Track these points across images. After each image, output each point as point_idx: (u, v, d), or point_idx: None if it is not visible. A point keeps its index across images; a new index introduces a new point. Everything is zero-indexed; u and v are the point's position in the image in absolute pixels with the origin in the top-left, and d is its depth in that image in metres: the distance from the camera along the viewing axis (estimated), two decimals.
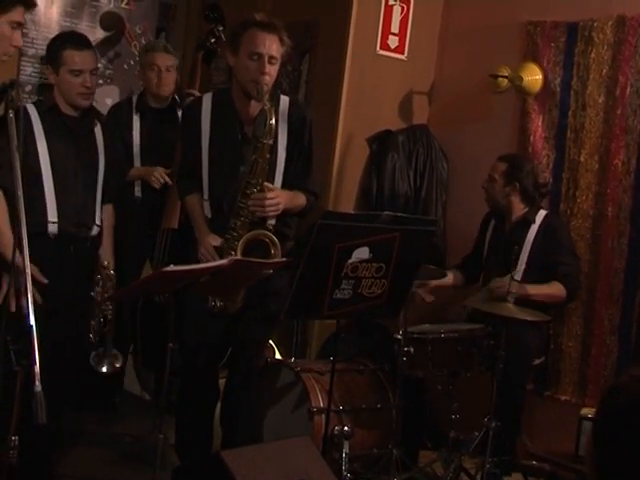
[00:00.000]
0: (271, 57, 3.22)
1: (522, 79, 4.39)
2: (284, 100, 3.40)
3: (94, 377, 4.20)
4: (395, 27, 4.77)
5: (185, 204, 3.56)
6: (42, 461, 3.39)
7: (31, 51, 4.71)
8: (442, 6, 4.97)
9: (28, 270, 2.24)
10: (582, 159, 4.27)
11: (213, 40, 4.51)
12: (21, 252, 2.27)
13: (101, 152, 3.57)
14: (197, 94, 4.26)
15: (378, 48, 4.73)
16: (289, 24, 3.37)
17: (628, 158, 4.11)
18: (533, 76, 4.40)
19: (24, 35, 4.41)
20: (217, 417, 3.61)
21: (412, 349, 3.73)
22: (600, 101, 4.20)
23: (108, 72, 5.01)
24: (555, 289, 3.93)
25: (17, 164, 2.36)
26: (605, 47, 4.18)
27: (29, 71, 4.74)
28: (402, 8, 4.79)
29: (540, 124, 4.43)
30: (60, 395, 3.31)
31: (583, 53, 4.26)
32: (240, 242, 3.22)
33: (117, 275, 3.71)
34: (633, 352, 4.06)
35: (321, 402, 3.68)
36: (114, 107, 4.50)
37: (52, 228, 3.36)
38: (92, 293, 3.49)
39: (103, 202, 3.60)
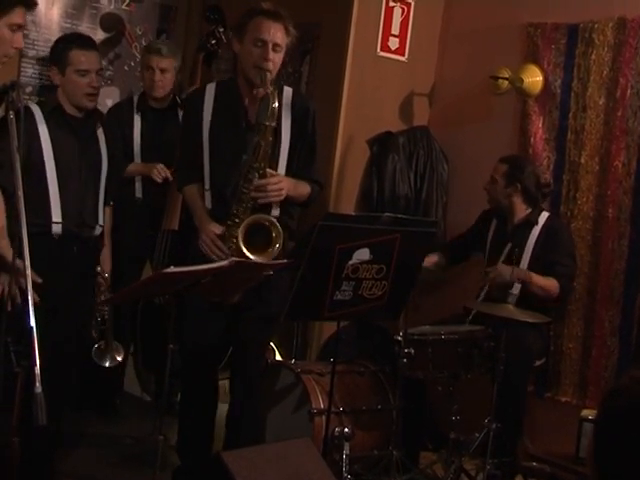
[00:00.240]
0: (275, 45, 3.24)
1: (522, 81, 4.39)
2: (287, 90, 3.41)
3: (94, 378, 4.22)
4: (396, 29, 4.77)
5: (184, 194, 3.55)
6: (43, 462, 3.39)
7: (32, 52, 4.70)
8: (442, 8, 4.97)
9: (29, 271, 2.24)
10: (582, 161, 4.27)
11: (214, 41, 4.52)
12: (21, 253, 2.27)
13: (104, 153, 3.58)
14: None
15: (379, 50, 4.73)
16: None
17: (628, 160, 4.11)
18: (533, 78, 4.40)
19: (25, 36, 4.41)
20: (218, 417, 3.62)
21: (412, 350, 3.73)
22: (600, 103, 4.20)
23: (108, 73, 5.01)
24: (550, 284, 3.94)
25: (18, 165, 2.36)
26: (606, 49, 4.18)
27: (30, 72, 4.73)
28: (403, 10, 4.79)
29: (540, 126, 4.43)
30: (61, 396, 3.31)
31: (584, 55, 4.27)
32: (241, 227, 3.21)
33: (116, 276, 3.72)
34: (634, 354, 4.06)
35: (321, 403, 3.68)
36: (115, 107, 4.51)
37: (56, 228, 3.37)
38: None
39: (105, 203, 3.61)
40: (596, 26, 4.21)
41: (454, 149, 4.87)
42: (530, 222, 4.08)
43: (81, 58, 3.43)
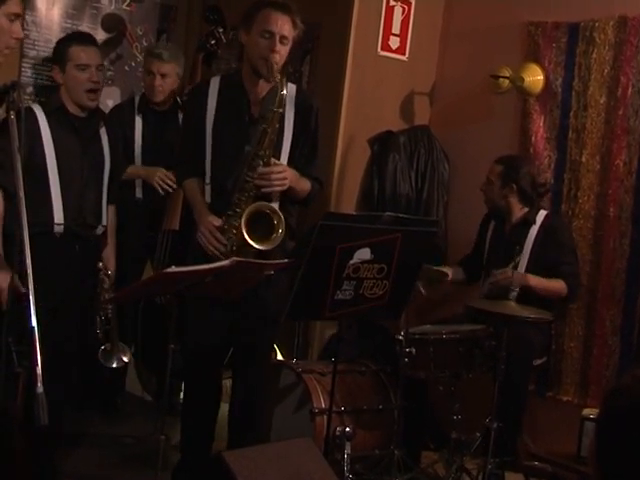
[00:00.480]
0: (282, 37, 3.25)
1: (523, 80, 4.38)
2: (291, 87, 3.41)
3: (96, 378, 4.22)
4: (396, 28, 4.77)
5: (184, 188, 3.54)
6: (44, 462, 3.39)
7: (32, 52, 4.70)
8: (443, 7, 4.97)
9: (30, 271, 2.24)
10: (583, 160, 4.26)
11: (213, 42, 4.51)
12: (23, 253, 2.27)
13: (107, 152, 3.59)
14: None
15: (379, 49, 4.73)
16: None
17: (630, 158, 4.11)
18: (534, 77, 4.40)
19: (25, 37, 4.41)
20: (219, 418, 3.62)
21: (414, 350, 3.73)
22: (601, 102, 4.20)
23: (109, 73, 5.00)
24: (557, 285, 3.94)
25: (18, 165, 2.36)
26: (606, 47, 4.18)
27: (30, 72, 4.73)
28: (403, 9, 4.79)
29: (541, 125, 4.43)
30: (62, 396, 3.31)
31: (584, 53, 4.26)
32: (243, 215, 3.20)
33: (118, 276, 3.71)
34: (635, 353, 4.06)
35: (323, 403, 3.68)
36: (116, 107, 4.50)
37: (57, 228, 3.38)
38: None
39: (108, 202, 3.61)
40: (597, 25, 4.21)
41: (455, 148, 4.87)
42: (528, 221, 4.08)
43: (80, 53, 3.44)
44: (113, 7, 5.07)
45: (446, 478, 3.77)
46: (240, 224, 3.19)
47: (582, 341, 4.26)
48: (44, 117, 3.40)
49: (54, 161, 3.37)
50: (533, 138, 4.44)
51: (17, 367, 2.17)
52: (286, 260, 3.14)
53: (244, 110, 3.36)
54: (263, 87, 3.34)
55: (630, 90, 4.10)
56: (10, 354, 2.17)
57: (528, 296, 3.90)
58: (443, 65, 4.98)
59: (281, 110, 3.21)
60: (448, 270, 4.31)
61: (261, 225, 3.23)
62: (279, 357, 4.44)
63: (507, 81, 4.51)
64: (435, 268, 4.21)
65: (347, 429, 3.66)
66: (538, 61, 4.43)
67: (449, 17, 4.95)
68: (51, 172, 3.36)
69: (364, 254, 3.10)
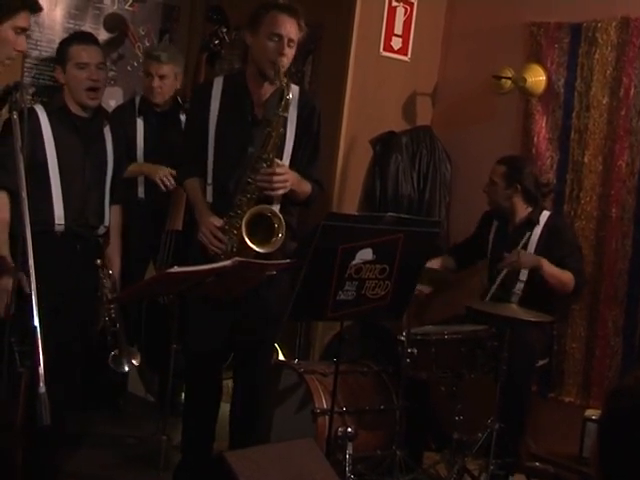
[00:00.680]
0: (290, 40, 3.26)
1: (526, 80, 4.38)
2: (294, 88, 3.41)
3: (98, 378, 4.22)
4: (398, 28, 4.77)
5: (185, 188, 3.55)
6: (46, 462, 3.39)
7: (35, 53, 4.71)
8: (445, 7, 4.97)
9: (32, 271, 2.24)
10: (586, 160, 4.26)
11: (217, 42, 4.51)
12: (25, 253, 2.28)
13: (110, 152, 3.58)
14: None
15: (381, 49, 4.73)
16: None
17: (632, 159, 4.11)
18: (537, 77, 4.40)
19: (27, 37, 4.41)
20: (220, 417, 3.62)
21: (416, 350, 3.73)
22: (604, 102, 4.20)
23: (112, 74, 5.01)
24: (566, 277, 3.93)
25: (21, 165, 2.36)
26: (609, 48, 4.18)
27: (33, 73, 4.74)
28: (405, 9, 4.79)
29: (544, 125, 4.43)
30: (64, 396, 3.31)
31: (587, 54, 4.26)
32: (244, 218, 3.21)
33: (120, 276, 3.71)
34: (637, 353, 4.06)
35: (325, 403, 3.68)
36: (117, 109, 4.50)
37: (59, 227, 3.39)
38: (98, 293, 3.50)
39: (111, 202, 3.61)
40: (599, 25, 4.21)
41: (457, 149, 4.87)
42: (531, 222, 4.08)
43: (80, 52, 3.44)
44: (116, 7, 5.08)
45: (448, 479, 3.77)
46: (241, 225, 3.20)
47: (584, 342, 4.25)
48: (46, 117, 3.40)
49: (55, 161, 3.37)
50: (535, 139, 4.44)
51: (20, 367, 2.17)
52: (288, 260, 3.14)
53: (247, 111, 3.36)
54: (267, 89, 3.35)
55: (632, 91, 4.10)
56: (13, 354, 2.17)
57: (529, 298, 3.90)
58: (445, 66, 4.98)
59: (286, 115, 3.22)
60: (435, 262, 4.29)
61: (262, 228, 3.23)
62: (281, 357, 4.44)
63: (509, 82, 4.51)
64: (435, 270, 4.20)
65: (349, 429, 3.66)
66: (540, 62, 4.42)
67: (451, 18, 4.95)
68: (52, 172, 3.36)
69: (366, 254, 3.10)
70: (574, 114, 4.31)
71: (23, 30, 2.83)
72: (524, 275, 3.95)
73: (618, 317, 4.14)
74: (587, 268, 4.20)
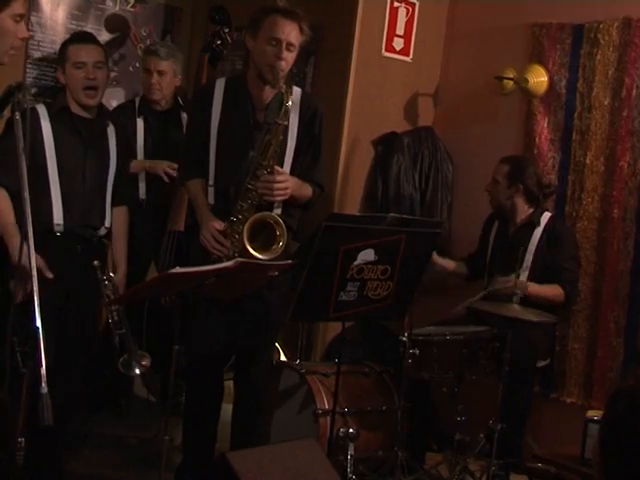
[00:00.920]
0: (289, 44, 3.25)
1: (527, 81, 4.38)
2: (296, 91, 3.41)
3: (101, 378, 4.22)
4: (400, 29, 4.77)
5: (188, 189, 3.55)
6: (48, 462, 3.39)
7: (37, 54, 4.71)
8: (447, 8, 4.97)
9: (34, 272, 2.24)
10: (588, 161, 4.26)
11: (219, 42, 4.51)
12: (28, 253, 2.28)
13: (113, 153, 3.57)
14: None
15: (383, 50, 4.73)
16: None
17: (634, 160, 4.11)
18: (539, 78, 4.40)
19: (30, 38, 4.42)
20: (222, 417, 3.62)
21: (417, 351, 3.73)
22: (606, 103, 4.20)
23: (114, 74, 5.01)
24: (554, 292, 3.96)
25: (23, 166, 2.37)
26: (611, 49, 4.17)
27: (35, 73, 4.74)
28: (407, 10, 4.79)
29: (546, 126, 4.43)
30: (66, 396, 3.31)
31: (589, 55, 4.26)
32: (246, 224, 3.21)
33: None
34: (639, 354, 4.05)
35: (326, 404, 3.68)
36: (116, 110, 4.49)
37: (58, 228, 3.38)
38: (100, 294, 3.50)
39: (113, 204, 3.60)
40: (601, 26, 4.21)
41: (459, 149, 4.87)
42: (532, 223, 4.08)
43: (77, 52, 3.43)
44: (117, 8, 5.08)
45: (450, 479, 3.77)
46: (242, 231, 3.20)
47: (586, 343, 4.25)
48: (47, 117, 3.40)
49: (54, 161, 3.37)
50: (537, 139, 4.44)
51: (22, 368, 2.17)
52: (290, 261, 3.15)
53: (249, 115, 3.36)
54: (268, 93, 3.34)
55: (634, 91, 4.10)
56: (15, 354, 2.17)
57: (530, 298, 3.91)
58: (447, 66, 4.98)
59: (286, 123, 3.22)
60: (448, 262, 4.30)
61: (263, 234, 3.24)
62: (283, 358, 4.44)
63: (511, 82, 4.52)
64: (436, 260, 4.19)
65: (351, 430, 3.66)
66: (542, 62, 4.42)
67: (453, 18, 4.95)
68: (51, 172, 3.36)
69: (368, 255, 3.11)
70: (576, 115, 4.31)
71: (21, 17, 2.81)
72: (523, 276, 3.94)
73: (620, 318, 4.14)
74: (589, 269, 4.20)
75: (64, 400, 3.15)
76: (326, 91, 4.73)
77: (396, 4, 4.74)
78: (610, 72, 4.18)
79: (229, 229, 3.27)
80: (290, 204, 3.40)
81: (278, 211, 3.35)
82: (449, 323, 4.17)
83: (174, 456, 3.64)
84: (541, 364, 4.06)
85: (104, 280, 3.46)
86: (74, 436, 3.85)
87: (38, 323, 2.14)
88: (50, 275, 3.19)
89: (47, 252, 3.14)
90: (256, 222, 3.22)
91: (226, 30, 4.45)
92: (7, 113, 2.76)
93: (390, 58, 4.76)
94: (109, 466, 3.83)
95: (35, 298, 2.19)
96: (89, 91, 3.44)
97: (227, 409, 3.64)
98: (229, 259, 3.14)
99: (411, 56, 4.84)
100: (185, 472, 3.54)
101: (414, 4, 4.81)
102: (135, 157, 4.25)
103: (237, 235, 3.24)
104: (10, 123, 2.97)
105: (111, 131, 3.58)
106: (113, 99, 4.92)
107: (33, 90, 4.68)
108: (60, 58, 3.50)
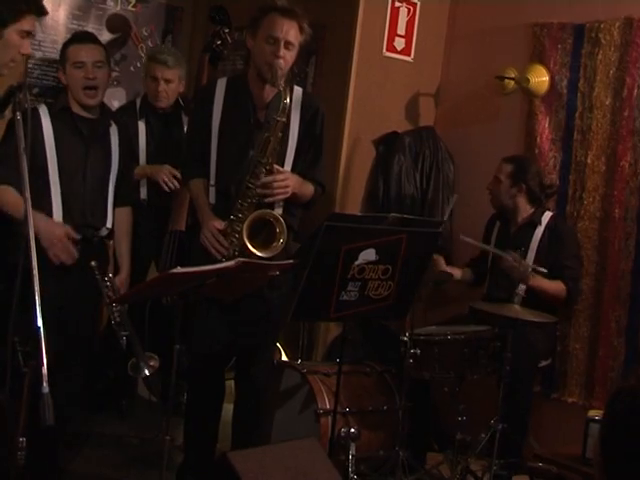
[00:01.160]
0: (288, 42, 3.25)
1: (529, 81, 4.38)
2: (297, 90, 3.42)
3: (103, 379, 4.22)
4: (401, 29, 4.77)
5: (189, 189, 3.56)
6: (50, 462, 3.39)
7: (38, 54, 4.71)
8: (448, 8, 4.97)
9: (35, 272, 2.24)
10: (589, 161, 4.26)
11: (219, 42, 4.51)
12: (29, 254, 2.28)
13: (115, 153, 3.56)
14: None
15: (384, 50, 4.73)
16: None
17: (635, 160, 4.10)
18: (540, 78, 4.40)
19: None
20: (223, 417, 3.62)
21: (418, 351, 3.73)
22: (607, 103, 4.20)
23: (115, 74, 5.01)
24: (556, 287, 3.95)
25: (24, 165, 2.37)
26: (612, 49, 4.17)
27: (36, 74, 4.74)
28: (408, 10, 4.79)
29: (547, 126, 4.42)
30: (67, 396, 3.31)
31: (590, 55, 4.26)
32: (246, 222, 3.21)
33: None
34: None
35: (327, 404, 3.68)
36: (117, 111, 4.49)
37: None
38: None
39: (116, 204, 3.60)
40: (602, 26, 4.21)
41: (460, 149, 4.86)
42: (533, 222, 4.08)
43: (76, 52, 3.43)
44: (119, 8, 5.09)
45: (451, 479, 3.77)
46: (242, 229, 3.20)
47: (587, 342, 4.25)
48: (48, 117, 3.40)
49: (55, 161, 3.37)
50: (538, 139, 4.44)
51: (23, 367, 2.17)
52: (291, 261, 3.15)
53: (250, 114, 3.36)
54: (269, 92, 3.34)
55: (636, 91, 4.10)
56: (16, 354, 2.18)
57: (532, 298, 3.90)
58: (448, 66, 4.98)
59: (284, 119, 3.21)
60: (455, 270, 4.31)
61: (263, 232, 3.24)
62: (284, 358, 4.44)
63: (512, 82, 4.51)
64: (441, 269, 4.21)
65: (352, 430, 3.66)
66: (543, 62, 4.42)
67: (454, 18, 4.95)
68: (51, 172, 3.35)
69: (369, 255, 3.11)
70: (577, 114, 4.31)
71: (28, 34, 2.84)
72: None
73: (621, 317, 4.13)
74: (590, 269, 4.20)
75: (65, 400, 3.15)
76: (327, 91, 4.73)
77: (397, 4, 4.74)
78: (611, 72, 4.18)
79: (229, 228, 3.27)
80: (291, 203, 3.40)
81: (279, 210, 3.35)
82: (451, 323, 4.17)
83: (175, 456, 3.64)
84: (542, 364, 4.06)
85: (103, 280, 3.45)
86: (75, 436, 3.86)
87: (39, 323, 2.14)
88: (77, 236, 3.32)
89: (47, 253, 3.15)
90: (256, 220, 3.22)
91: (226, 30, 4.45)
92: (8, 113, 2.77)
93: (391, 58, 4.76)
94: (110, 466, 3.83)
95: (36, 298, 2.19)
96: (89, 91, 3.43)
97: (228, 409, 3.65)
98: (230, 258, 3.14)
99: (412, 56, 4.84)
100: (186, 472, 3.54)
101: (415, 4, 4.81)
102: (137, 159, 4.25)
103: (237, 234, 3.24)
104: (12, 124, 2.98)
105: (114, 131, 3.58)
106: (114, 99, 4.93)
107: (35, 90, 4.68)
108: (61, 58, 3.51)
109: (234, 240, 3.25)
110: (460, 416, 3.78)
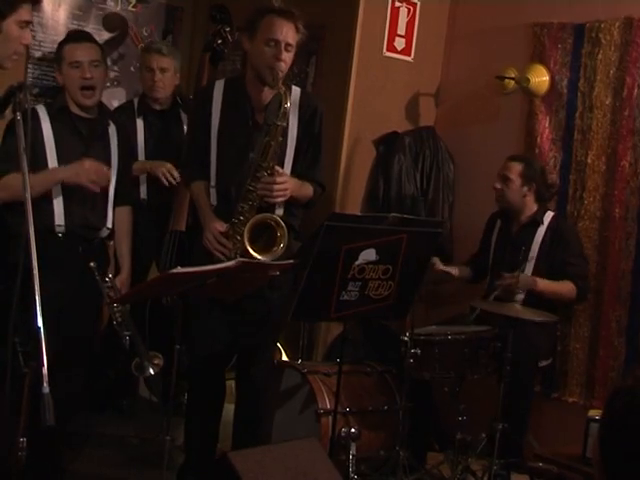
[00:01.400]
0: (287, 44, 3.24)
1: (529, 81, 4.38)
2: (295, 90, 3.42)
3: (104, 379, 4.22)
4: (402, 29, 4.77)
5: (191, 191, 3.56)
6: (50, 462, 3.39)
7: (38, 54, 4.72)
8: (448, 8, 4.97)
9: (36, 272, 2.24)
10: (589, 160, 4.26)
11: (220, 41, 4.50)
12: (29, 254, 2.28)
13: (114, 153, 3.56)
14: None
15: (385, 50, 4.73)
16: None
17: (635, 159, 4.11)
18: (540, 77, 4.40)
19: (31, 38, 4.41)
20: (223, 418, 3.63)
21: (419, 351, 3.73)
22: (607, 102, 4.20)
23: (114, 74, 5.01)
24: (566, 288, 3.95)
25: (25, 165, 2.37)
26: (612, 48, 4.17)
27: (37, 73, 4.75)
28: (408, 10, 4.79)
29: (547, 125, 4.42)
30: (68, 396, 3.31)
31: (590, 54, 4.26)
32: (247, 226, 3.22)
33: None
34: None
35: (328, 404, 3.68)
36: (115, 111, 4.48)
37: (59, 229, 3.38)
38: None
39: (116, 204, 3.60)
40: (602, 26, 4.21)
41: (460, 149, 4.86)
42: (536, 221, 4.08)
43: (72, 51, 3.42)
44: (119, 8, 5.08)
45: (451, 479, 3.77)
46: (243, 233, 3.20)
47: (588, 342, 4.25)
48: (47, 118, 3.39)
49: (55, 161, 3.36)
50: (539, 139, 4.44)
51: (23, 367, 2.17)
52: (291, 261, 3.15)
53: (248, 117, 3.36)
54: (267, 93, 3.34)
55: (636, 91, 4.10)
56: (16, 354, 2.18)
57: (533, 298, 3.90)
58: (448, 66, 4.98)
59: (284, 124, 3.21)
60: (454, 269, 4.31)
61: (264, 236, 3.24)
62: (284, 358, 4.44)
63: (513, 82, 4.51)
64: (438, 270, 4.20)
65: (352, 430, 3.66)
66: (544, 62, 4.42)
67: (454, 18, 4.95)
68: None
69: (369, 255, 3.11)
70: (577, 114, 4.31)
71: (27, 23, 2.83)
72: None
73: (622, 317, 4.13)
74: (590, 268, 4.20)
75: (65, 400, 3.14)
76: (327, 91, 4.73)
77: (397, 4, 4.74)
78: (611, 72, 4.18)
79: (231, 230, 3.28)
80: (292, 203, 3.40)
81: (280, 211, 3.36)
82: (451, 322, 4.18)
83: (176, 456, 3.64)
84: (543, 364, 4.06)
85: (104, 281, 3.45)
86: (76, 436, 3.85)
87: (40, 323, 2.14)
88: (106, 169, 3.40)
89: (48, 253, 3.14)
90: (257, 224, 3.23)
91: (227, 29, 4.45)
92: (9, 113, 2.77)
93: (391, 58, 4.76)
94: (111, 466, 3.83)
95: (37, 298, 2.19)
96: (86, 91, 3.42)
97: (229, 409, 3.65)
98: (231, 260, 3.14)
99: (412, 56, 4.84)
100: (187, 472, 3.54)
101: (415, 4, 4.81)
102: (136, 158, 4.25)
103: (239, 237, 3.24)
104: (12, 124, 2.97)
105: (112, 131, 3.57)
106: (114, 99, 4.93)
107: (35, 90, 4.68)
108: (56, 58, 3.48)
109: (235, 242, 3.26)
110: (460, 416, 3.78)
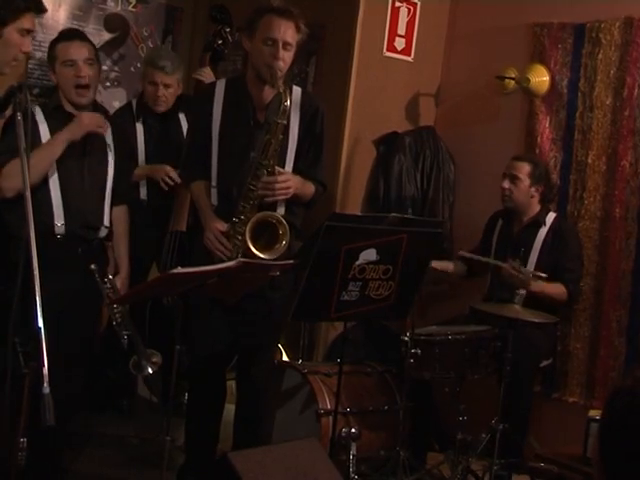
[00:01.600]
0: (286, 43, 3.24)
1: (529, 80, 4.38)
2: (296, 90, 3.42)
3: (104, 379, 4.22)
4: (402, 29, 4.77)
5: (192, 191, 3.56)
6: (51, 462, 3.39)
7: (38, 54, 4.71)
8: (449, 8, 4.97)
9: (36, 272, 2.24)
10: (590, 160, 4.26)
11: (220, 41, 4.50)
12: (29, 254, 2.28)
13: (111, 152, 3.55)
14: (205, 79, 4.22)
15: (385, 50, 4.73)
16: None
17: (636, 159, 4.11)
18: (540, 77, 4.40)
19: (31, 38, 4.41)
20: (224, 418, 3.63)
21: (419, 351, 3.73)
22: (607, 102, 4.20)
23: (115, 75, 5.01)
24: (557, 291, 3.97)
25: (25, 165, 2.37)
26: (612, 48, 4.17)
27: (37, 74, 4.75)
28: (409, 10, 4.79)
29: (547, 125, 4.42)
30: (68, 396, 3.31)
31: (590, 54, 4.26)
32: (248, 224, 3.22)
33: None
34: None
35: (328, 404, 3.69)
36: (115, 114, 4.46)
37: (59, 229, 3.37)
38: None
39: (114, 203, 3.59)
40: (603, 26, 4.21)
41: (460, 149, 4.86)
42: (538, 222, 4.08)
43: (65, 50, 3.39)
44: (119, 8, 5.09)
45: (452, 479, 3.77)
46: (245, 231, 3.20)
47: (588, 342, 4.25)
48: (43, 118, 3.38)
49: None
50: (539, 139, 4.44)
51: (23, 368, 2.17)
52: (291, 261, 3.14)
53: (249, 116, 3.36)
54: (268, 92, 3.34)
55: (636, 91, 4.10)
56: (17, 355, 2.18)
57: (533, 299, 3.90)
58: (449, 66, 4.98)
59: (284, 122, 3.21)
60: (448, 266, 4.31)
61: (266, 234, 3.24)
62: (285, 358, 4.44)
63: (513, 82, 4.51)
64: (434, 266, 4.19)
65: (353, 430, 3.66)
66: (544, 62, 4.42)
67: (455, 18, 4.95)
68: (50, 172, 3.34)
69: (370, 255, 3.10)
70: (577, 114, 4.31)
71: (28, 32, 2.83)
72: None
73: (622, 317, 4.13)
74: (591, 268, 4.20)
75: (65, 400, 3.14)
76: (327, 91, 4.73)
77: (397, 4, 4.74)
78: (612, 72, 4.18)
79: (232, 230, 3.27)
80: (293, 202, 3.40)
81: (281, 210, 3.36)
82: (451, 322, 4.17)
83: (176, 456, 3.64)
84: (543, 364, 4.06)
85: (103, 282, 3.45)
86: (76, 436, 3.85)
87: (40, 323, 2.14)
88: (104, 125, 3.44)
89: (47, 254, 3.13)
90: (258, 222, 3.23)
91: (227, 29, 4.45)
92: (9, 113, 2.77)
93: (391, 58, 4.76)
94: (111, 466, 3.83)
95: (37, 298, 2.19)
96: (80, 90, 3.40)
97: (229, 409, 3.65)
98: (232, 260, 3.14)
99: (412, 56, 4.84)
100: (187, 472, 3.54)
101: (415, 4, 4.81)
102: (137, 160, 4.25)
103: (240, 236, 3.24)
104: (10, 123, 2.97)
105: (107, 129, 3.57)
106: (115, 99, 4.93)
107: (35, 90, 4.68)
108: (49, 57, 3.46)
109: (237, 242, 3.26)
110: (461, 416, 3.78)
